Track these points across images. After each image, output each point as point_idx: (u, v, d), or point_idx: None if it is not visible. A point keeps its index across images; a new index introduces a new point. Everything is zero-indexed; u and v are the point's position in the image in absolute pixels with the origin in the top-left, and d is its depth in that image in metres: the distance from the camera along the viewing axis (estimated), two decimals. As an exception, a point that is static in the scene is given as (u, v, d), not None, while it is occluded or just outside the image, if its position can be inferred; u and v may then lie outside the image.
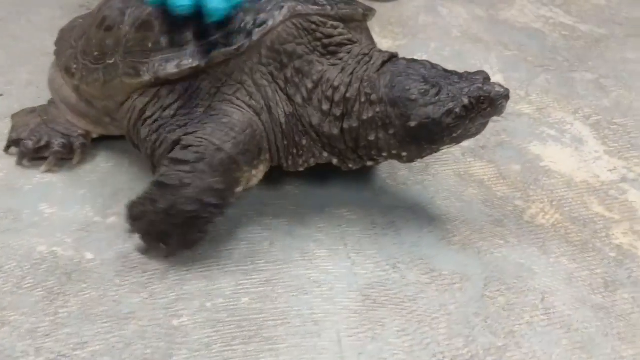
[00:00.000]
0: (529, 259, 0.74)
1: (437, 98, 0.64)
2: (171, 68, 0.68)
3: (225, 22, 0.67)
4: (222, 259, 0.72)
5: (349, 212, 0.78)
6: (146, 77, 0.69)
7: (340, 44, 0.70)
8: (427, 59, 1.06)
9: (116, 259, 0.71)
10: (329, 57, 0.70)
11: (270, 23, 0.67)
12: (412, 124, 0.64)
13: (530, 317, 0.67)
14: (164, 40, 0.69)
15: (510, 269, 0.72)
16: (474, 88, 0.64)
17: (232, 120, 0.68)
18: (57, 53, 0.83)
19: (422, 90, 0.64)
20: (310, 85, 0.68)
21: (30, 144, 0.80)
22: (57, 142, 0.80)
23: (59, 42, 0.85)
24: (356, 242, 0.74)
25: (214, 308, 0.66)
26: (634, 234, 0.78)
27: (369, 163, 0.72)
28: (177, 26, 0.69)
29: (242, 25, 0.67)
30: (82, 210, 0.76)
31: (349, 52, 0.70)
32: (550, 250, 0.75)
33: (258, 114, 0.69)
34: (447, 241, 0.75)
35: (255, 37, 0.67)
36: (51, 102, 0.85)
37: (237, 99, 0.69)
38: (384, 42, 1.13)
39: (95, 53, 0.74)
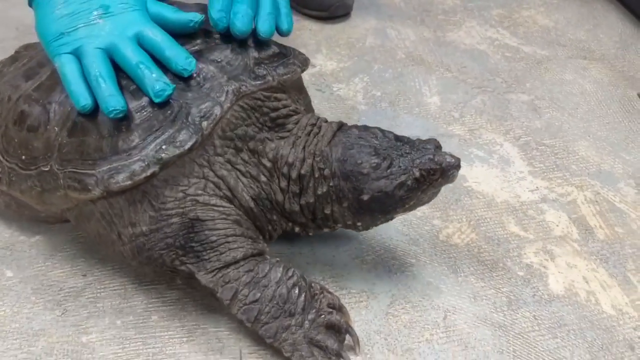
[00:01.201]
0: (437, 277, 0.76)
1: (388, 171, 0.64)
2: (124, 179, 0.61)
3: (169, 117, 0.63)
4: (139, 276, 0.74)
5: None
6: (96, 192, 0.62)
7: (287, 116, 0.69)
8: (369, 80, 1.12)
9: (35, 276, 0.73)
10: (277, 129, 0.68)
11: (217, 112, 0.63)
12: (365, 197, 0.64)
13: (430, 334, 0.70)
14: (106, 147, 0.62)
15: (418, 287, 0.75)
16: (424, 160, 0.64)
17: (227, 231, 0.64)
18: None
19: (374, 164, 0.64)
20: (268, 165, 0.67)
21: None
22: None
23: None
24: (271, 261, 0.76)
25: (123, 325, 0.69)
26: (545, 253, 0.80)
27: (326, 230, 0.72)
28: (116, 127, 0.62)
29: (189, 119, 0.62)
30: (8, 228, 0.79)
31: (296, 123, 0.69)
32: (460, 269, 0.77)
33: (231, 202, 0.66)
34: (360, 260, 0.78)
35: (206, 131, 0.62)
36: None
37: (209, 195, 0.65)
38: (329, 64, 1.15)
39: (23, 157, 0.66)
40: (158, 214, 0.63)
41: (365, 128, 0.68)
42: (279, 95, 0.69)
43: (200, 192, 0.64)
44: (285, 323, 0.64)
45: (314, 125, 0.69)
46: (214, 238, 0.63)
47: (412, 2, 1.38)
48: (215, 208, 0.65)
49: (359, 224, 0.68)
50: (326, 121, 0.70)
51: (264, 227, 0.69)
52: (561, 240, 0.82)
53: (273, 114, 0.68)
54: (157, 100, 0.62)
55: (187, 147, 0.61)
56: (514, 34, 1.29)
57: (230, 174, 0.66)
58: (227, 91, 0.64)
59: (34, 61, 0.74)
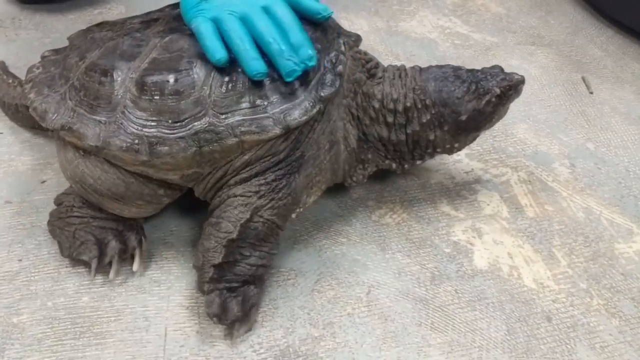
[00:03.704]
0: (366, 255, 0.78)
1: (476, 93, 0.76)
2: (300, 115, 0.67)
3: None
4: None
5: (203, 216, 0.82)
6: (277, 131, 0.66)
7: (376, 65, 0.78)
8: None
9: (-28, 263, 0.76)
10: (372, 78, 0.78)
11: (344, 59, 0.73)
12: (463, 117, 0.76)
13: (352, 309, 0.72)
14: (270, 93, 0.67)
15: (346, 264, 0.77)
16: (499, 79, 0.76)
17: (296, 185, 0.71)
18: (69, 130, 0.69)
19: (465, 89, 0.76)
20: (377, 105, 0.76)
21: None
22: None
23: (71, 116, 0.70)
24: (204, 243, 0.78)
25: (53, 306, 0.71)
26: (473, 231, 0.83)
27: (418, 162, 0.81)
28: (276, 76, 0.68)
29: (325, 65, 0.71)
30: (-51, 218, 0.81)
31: (384, 71, 0.78)
32: (389, 246, 0.80)
33: (332, 147, 0.75)
34: (292, 240, 0.80)
35: (343, 75, 0.72)
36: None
37: (323, 139, 0.73)
38: (280, 54, 1.17)
39: (169, 120, 0.66)
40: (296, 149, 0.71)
41: (440, 66, 0.79)
42: (360, 50, 0.79)
43: (320, 133, 0.72)
44: (227, 285, 0.68)
45: (399, 69, 0.79)
46: (297, 182, 0.71)
47: (367, -7, 1.40)
48: (322, 152, 0.73)
49: (456, 144, 0.79)
50: (405, 66, 0.80)
51: (357, 166, 0.79)
52: (490, 219, 0.85)
53: (367, 65, 0.77)
54: (288, 80, 0.67)
55: (337, 85, 0.70)
56: (465, 22, 1.31)
57: (347, 117, 0.76)
58: (342, 43, 0.74)
59: (110, 50, 0.71)
